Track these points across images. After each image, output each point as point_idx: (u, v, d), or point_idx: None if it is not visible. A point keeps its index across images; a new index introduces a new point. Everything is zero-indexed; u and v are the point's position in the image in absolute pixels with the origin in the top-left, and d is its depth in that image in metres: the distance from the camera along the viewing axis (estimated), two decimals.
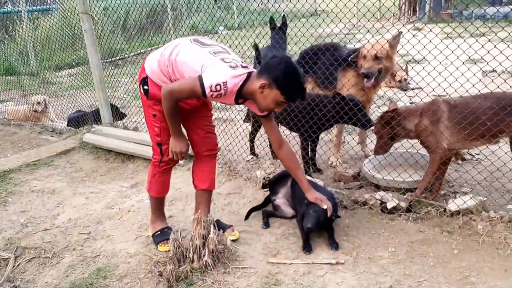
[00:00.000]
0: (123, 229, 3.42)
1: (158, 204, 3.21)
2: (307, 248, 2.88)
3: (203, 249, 2.76)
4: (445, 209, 3.03)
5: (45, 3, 12.15)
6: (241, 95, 2.64)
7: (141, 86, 2.83)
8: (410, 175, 3.35)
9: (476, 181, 3.28)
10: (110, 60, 10.29)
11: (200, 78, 2.50)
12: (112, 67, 10.17)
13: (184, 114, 2.92)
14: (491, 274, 2.52)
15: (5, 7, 12.87)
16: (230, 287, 2.55)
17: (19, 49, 10.58)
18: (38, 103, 6.48)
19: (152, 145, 3.01)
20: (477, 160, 3.88)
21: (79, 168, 4.85)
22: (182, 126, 2.88)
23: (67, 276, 2.90)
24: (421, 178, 3.27)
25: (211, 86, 2.48)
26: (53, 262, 3.07)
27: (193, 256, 2.74)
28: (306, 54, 4.19)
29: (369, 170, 3.53)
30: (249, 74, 2.62)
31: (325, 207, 2.85)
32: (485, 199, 3.04)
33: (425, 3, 15.53)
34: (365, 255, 2.81)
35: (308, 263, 2.74)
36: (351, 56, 3.76)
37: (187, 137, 2.98)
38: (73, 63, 10.92)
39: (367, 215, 3.24)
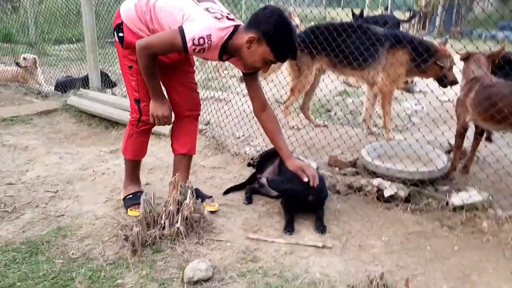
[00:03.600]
0: (94, 191, 3.12)
1: (133, 168, 2.92)
2: (289, 228, 2.59)
3: (176, 216, 2.47)
4: (447, 202, 2.77)
5: None
6: (226, 51, 2.36)
7: (115, 33, 2.52)
8: (405, 166, 3.08)
9: (480, 179, 3.04)
10: (110, 41, 10.02)
11: (181, 30, 2.21)
12: (112, 47, 9.88)
13: (163, 69, 2.60)
14: (494, 275, 2.25)
15: None
16: (202, 259, 2.25)
17: (21, 20, 10.30)
18: (25, 58, 6.15)
19: (130, 103, 2.70)
20: (483, 162, 3.60)
21: (59, 129, 4.54)
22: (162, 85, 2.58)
23: (23, 232, 2.60)
24: (419, 170, 3.04)
25: (194, 39, 2.19)
26: (11, 217, 2.76)
27: (164, 222, 2.45)
28: (321, 33, 3.92)
29: (368, 154, 3.27)
30: (236, 27, 2.33)
31: (305, 179, 2.57)
32: (489, 195, 2.78)
33: (436, 18, 15.36)
34: (355, 242, 2.52)
35: (292, 243, 2.46)
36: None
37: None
38: (74, 39, 10.65)
39: (361, 202, 2.96)
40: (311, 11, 4.41)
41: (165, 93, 2.64)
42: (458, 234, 2.59)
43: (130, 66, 2.55)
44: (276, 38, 2.25)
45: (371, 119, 4.34)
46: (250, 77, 2.60)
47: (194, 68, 2.86)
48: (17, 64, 6.22)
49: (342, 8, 6.17)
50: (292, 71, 4.32)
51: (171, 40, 2.24)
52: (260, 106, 2.66)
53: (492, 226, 2.58)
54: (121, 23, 2.47)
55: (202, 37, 2.20)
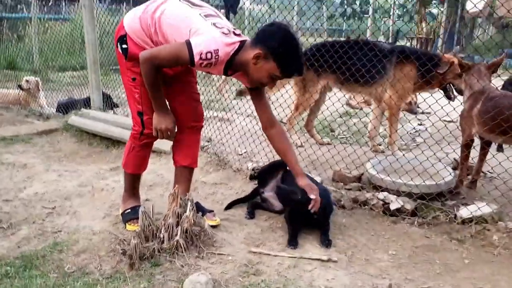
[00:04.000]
0: (92, 207, 3.05)
1: (132, 182, 2.85)
2: (293, 242, 2.50)
3: (176, 229, 2.38)
4: (455, 215, 2.68)
5: (58, 12, 11.99)
6: (232, 66, 2.32)
7: (118, 45, 2.47)
8: (411, 179, 3.01)
9: (488, 191, 2.95)
10: (114, 68, 10.08)
11: (188, 44, 2.18)
12: (116, 74, 9.92)
13: (166, 80, 2.55)
14: None
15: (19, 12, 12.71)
16: (202, 272, 2.16)
17: (26, 49, 10.39)
18: (27, 81, 6.13)
19: (132, 115, 2.65)
20: (490, 178, 3.52)
21: (59, 149, 4.49)
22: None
23: (18, 247, 2.53)
24: (424, 183, 2.98)
25: (201, 54, 2.16)
26: (7, 233, 2.69)
27: (163, 235, 2.37)
28: (323, 47, 3.92)
29: (373, 167, 3.20)
30: (242, 43, 2.30)
31: (312, 196, 2.47)
32: (499, 207, 2.69)
33: (437, 45, 15.44)
34: (362, 256, 2.43)
35: (295, 257, 2.37)
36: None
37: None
38: (78, 66, 10.72)
39: (367, 216, 2.88)
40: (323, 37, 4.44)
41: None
42: (468, 247, 2.50)
43: (134, 78, 2.51)
44: (283, 54, 2.23)
45: (376, 132, 4.28)
46: (256, 92, 2.54)
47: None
48: (20, 86, 6.20)
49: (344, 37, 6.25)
50: (296, 87, 4.30)
51: (177, 53, 2.21)
52: (268, 122, 2.58)
53: (503, 239, 2.49)
54: (125, 35, 2.44)
55: (210, 52, 2.17)
